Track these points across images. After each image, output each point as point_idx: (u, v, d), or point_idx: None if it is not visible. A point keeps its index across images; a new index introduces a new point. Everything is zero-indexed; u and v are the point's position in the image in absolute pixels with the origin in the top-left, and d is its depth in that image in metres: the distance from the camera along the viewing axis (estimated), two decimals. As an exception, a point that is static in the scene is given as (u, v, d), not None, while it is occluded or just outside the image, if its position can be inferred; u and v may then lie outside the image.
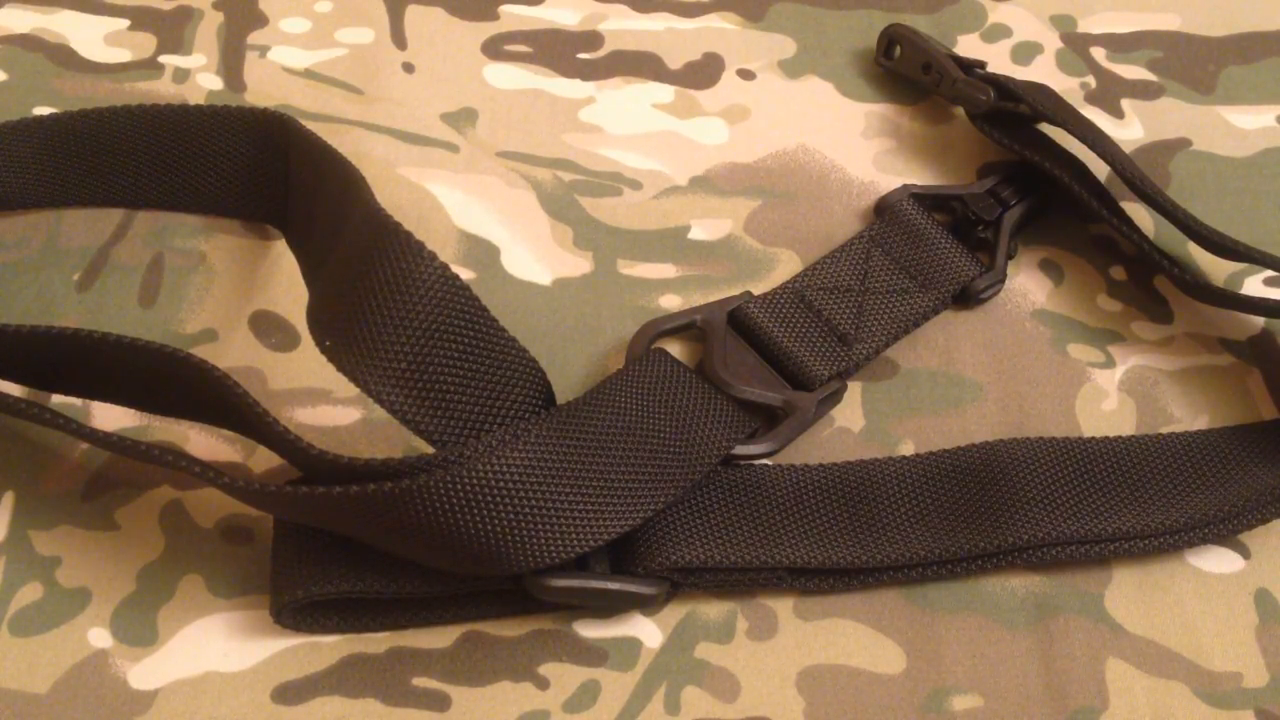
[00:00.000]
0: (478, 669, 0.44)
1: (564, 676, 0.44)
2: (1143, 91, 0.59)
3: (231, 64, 0.59)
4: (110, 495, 0.47)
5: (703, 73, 0.59)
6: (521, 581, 0.42)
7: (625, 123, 0.57)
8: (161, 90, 0.58)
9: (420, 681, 0.44)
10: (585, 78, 0.59)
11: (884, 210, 0.54)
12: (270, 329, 0.51)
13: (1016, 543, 0.45)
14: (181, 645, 0.44)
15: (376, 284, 0.40)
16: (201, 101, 0.57)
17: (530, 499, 0.40)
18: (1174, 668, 0.44)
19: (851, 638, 0.45)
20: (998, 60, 0.59)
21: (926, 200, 0.54)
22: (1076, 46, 0.60)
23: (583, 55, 0.59)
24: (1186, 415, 0.50)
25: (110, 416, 0.48)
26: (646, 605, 0.45)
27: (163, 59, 0.59)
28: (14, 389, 0.48)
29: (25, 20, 0.60)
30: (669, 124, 0.57)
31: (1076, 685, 0.44)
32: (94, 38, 0.59)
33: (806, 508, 0.46)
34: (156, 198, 0.54)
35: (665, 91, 0.58)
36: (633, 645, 0.45)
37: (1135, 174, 0.51)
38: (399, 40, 0.60)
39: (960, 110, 0.57)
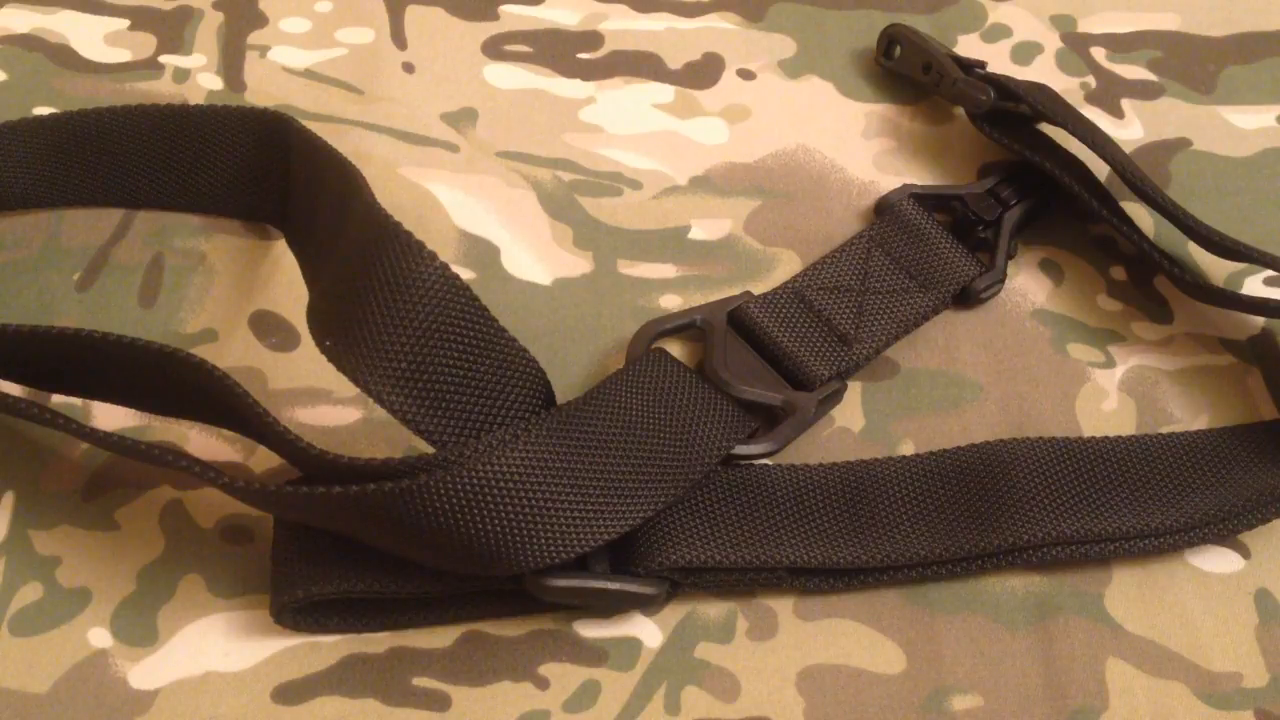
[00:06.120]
0: (478, 669, 0.44)
1: (564, 676, 0.44)
2: (1143, 91, 0.59)
3: (231, 64, 0.59)
4: (110, 495, 0.47)
5: (703, 73, 0.59)
6: (521, 581, 0.42)
7: (625, 123, 0.57)
8: (161, 90, 0.58)
9: (420, 681, 0.44)
10: (585, 78, 0.59)
11: (884, 210, 0.54)
12: (270, 329, 0.51)
13: (1016, 543, 0.45)
14: (181, 645, 0.44)
15: (376, 284, 0.40)
16: (201, 101, 0.57)
17: (530, 499, 0.40)
18: (1174, 668, 0.44)
19: (851, 638, 0.45)
20: (998, 60, 0.59)
21: (927, 200, 0.54)
22: (1076, 46, 0.60)
23: (583, 55, 0.59)
24: (1186, 415, 0.50)
25: (110, 416, 0.48)
26: (646, 605, 0.45)
27: (163, 59, 0.59)
28: (14, 389, 0.47)
29: (25, 20, 0.60)
30: (669, 124, 0.57)
31: (1076, 685, 0.44)
32: (94, 38, 0.59)
33: (806, 508, 0.46)
34: (156, 198, 0.54)
35: (665, 91, 0.58)
36: (633, 645, 0.45)
37: (1135, 174, 0.51)
38: (399, 40, 0.60)
39: (960, 110, 0.57)
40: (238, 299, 0.52)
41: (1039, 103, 0.52)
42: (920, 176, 0.56)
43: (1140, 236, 0.52)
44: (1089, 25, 0.61)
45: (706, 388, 0.47)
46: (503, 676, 0.44)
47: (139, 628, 0.45)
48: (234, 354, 0.50)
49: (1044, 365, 0.51)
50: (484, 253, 0.53)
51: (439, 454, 0.40)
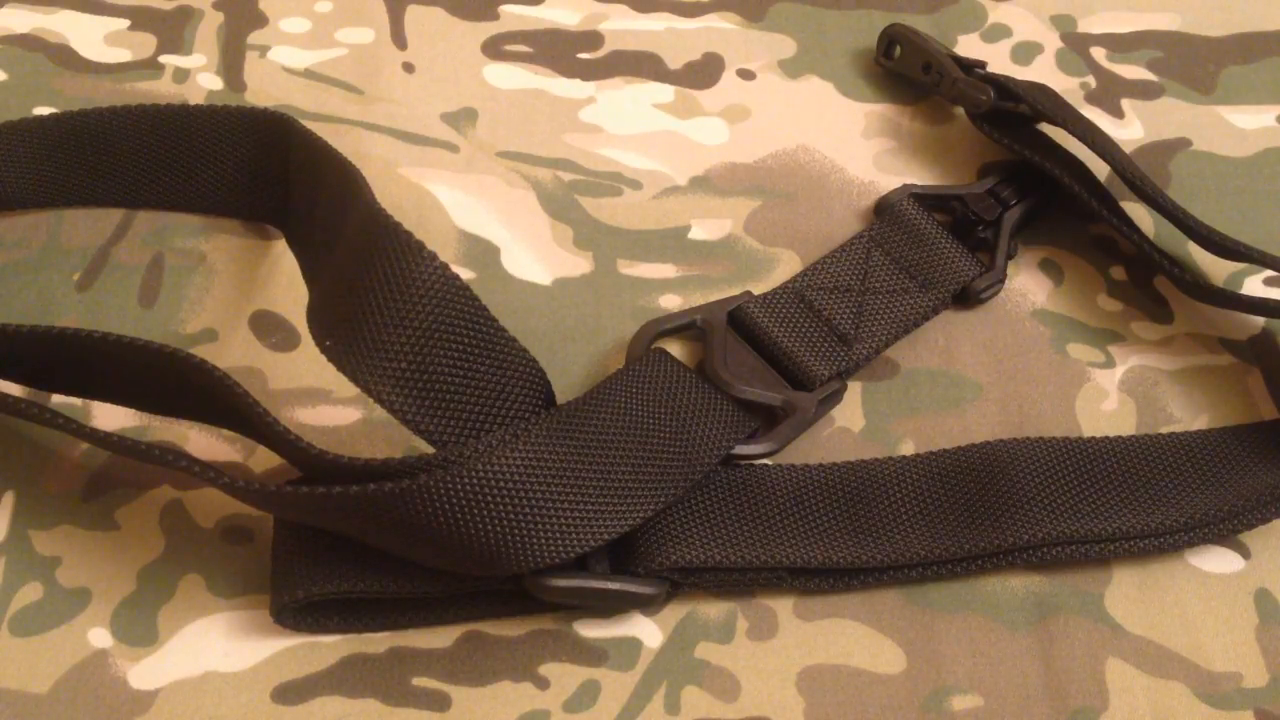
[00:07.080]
0: (478, 669, 0.44)
1: (564, 676, 0.44)
2: (1143, 91, 0.59)
3: (231, 64, 0.59)
4: (110, 495, 0.47)
5: (703, 73, 0.59)
6: (521, 581, 0.42)
7: (625, 123, 0.57)
8: (161, 90, 0.58)
9: (420, 681, 0.44)
10: (585, 78, 0.59)
11: (884, 210, 0.54)
12: (270, 329, 0.51)
13: (1016, 542, 0.45)
14: (181, 645, 0.44)
15: (376, 284, 0.40)
16: (201, 101, 0.57)
17: (530, 499, 0.40)
18: (1174, 668, 0.44)
19: (851, 638, 0.45)
20: (998, 60, 0.59)
21: (927, 200, 0.54)
22: (1076, 46, 0.60)
23: (583, 55, 0.59)
24: (1186, 415, 0.50)
25: (110, 416, 0.48)
26: (646, 605, 0.45)
27: (163, 59, 0.59)
28: (14, 389, 0.47)
29: (25, 20, 0.60)
30: (669, 124, 0.57)
31: (1076, 685, 0.44)
32: (94, 38, 0.59)
33: (806, 508, 0.46)
34: (156, 198, 0.54)
35: (665, 91, 0.58)
36: (633, 645, 0.45)
37: (1135, 174, 0.51)
38: (399, 40, 0.60)
39: (960, 110, 0.57)
40: (238, 299, 0.52)
41: (1039, 103, 0.52)
42: (920, 176, 0.56)
43: (1140, 236, 0.52)
44: (1089, 25, 0.61)
45: (706, 388, 0.47)
46: (503, 676, 0.44)
47: (139, 628, 0.45)
48: (234, 354, 0.50)
49: (1044, 365, 0.51)
50: (484, 253, 0.53)
51: (439, 454, 0.40)
